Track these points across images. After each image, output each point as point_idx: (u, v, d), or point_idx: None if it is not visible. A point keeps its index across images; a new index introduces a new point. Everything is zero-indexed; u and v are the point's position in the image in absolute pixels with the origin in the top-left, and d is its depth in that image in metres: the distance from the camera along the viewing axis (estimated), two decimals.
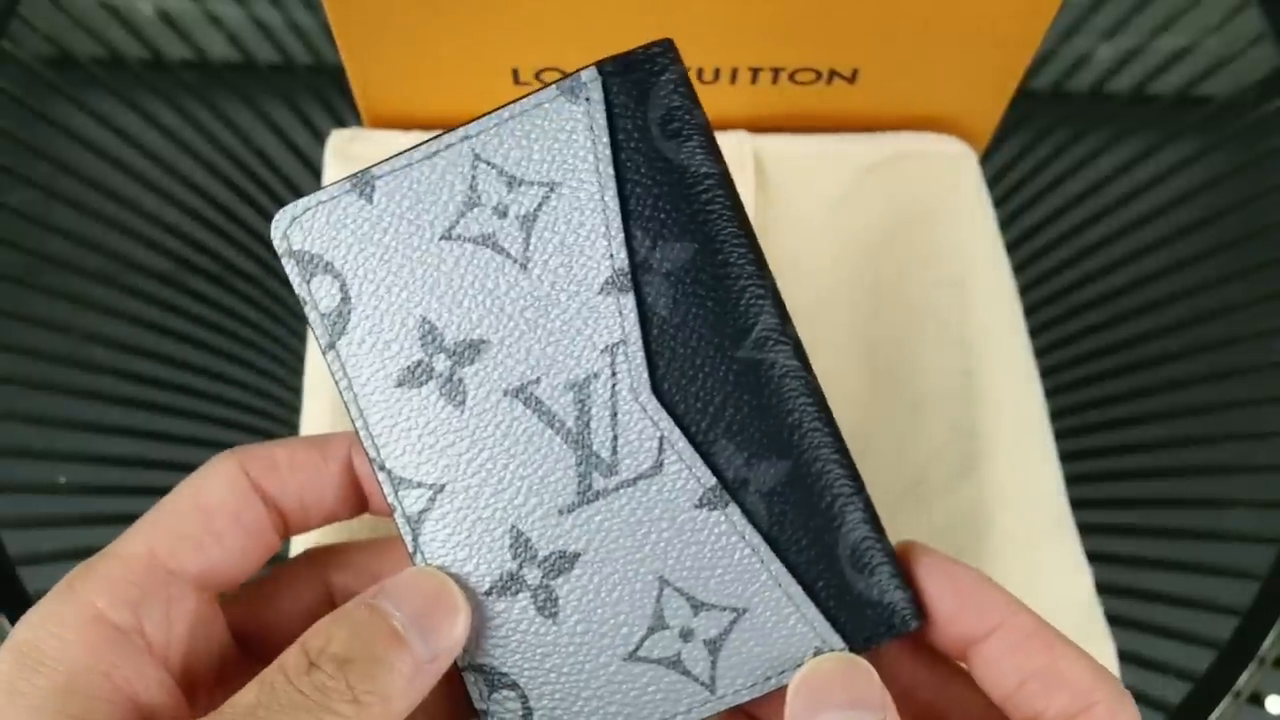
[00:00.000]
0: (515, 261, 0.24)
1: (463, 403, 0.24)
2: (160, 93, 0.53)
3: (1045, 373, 0.41)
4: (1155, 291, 0.50)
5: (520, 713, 0.24)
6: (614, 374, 0.24)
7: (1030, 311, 0.43)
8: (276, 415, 0.49)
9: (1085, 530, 0.38)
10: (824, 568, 0.24)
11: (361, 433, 0.25)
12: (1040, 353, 0.42)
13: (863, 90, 0.41)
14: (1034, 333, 0.42)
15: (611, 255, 0.24)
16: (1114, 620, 0.37)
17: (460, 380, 0.24)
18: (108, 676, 0.23)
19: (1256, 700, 0.40)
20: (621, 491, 0.24)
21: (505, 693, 0.24)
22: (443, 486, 0.24)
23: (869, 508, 0.24)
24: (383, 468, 0.25)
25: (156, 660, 0.24)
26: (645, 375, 0.24)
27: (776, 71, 0.40)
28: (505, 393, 0.24)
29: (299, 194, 0.52)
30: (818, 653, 0.24)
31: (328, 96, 0.55)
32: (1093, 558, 0.38)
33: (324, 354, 0.25)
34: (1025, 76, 0.41)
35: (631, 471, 0.24)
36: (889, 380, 0.41)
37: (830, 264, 0.42)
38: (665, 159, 0.24)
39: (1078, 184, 0.53)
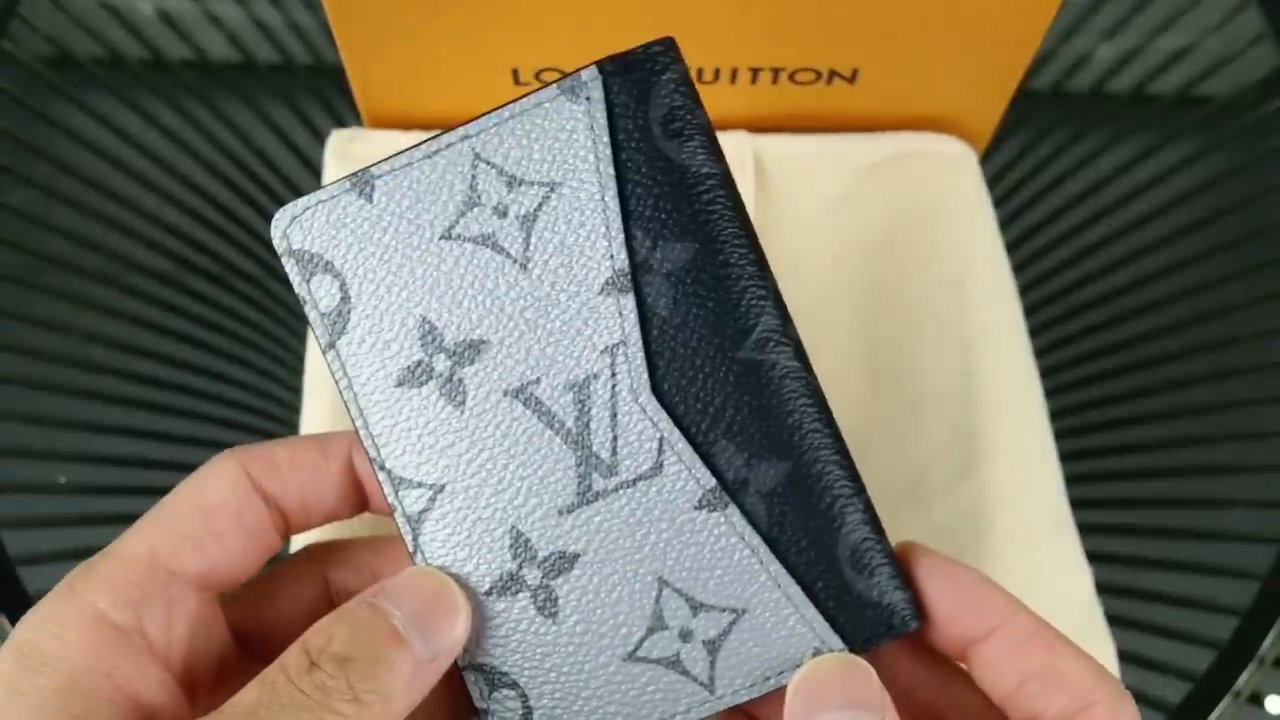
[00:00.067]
0: (515, 261, 0.24)
1: (463, 403, 0.24)
2: (160, 93, 0.53)
3: (1045, 373, 0.41)
4: (1155, 291, 0.50)
5: (520, 712, 0.24)
6: (614, 374, 0.24)
7: (1030, 311, 0.43)
8: (276, 415, 0.49)
9: (1085, 530, 0.38)
10: (823, 568, 0.24)
11: (361, 432, 0.25)
12: (1040, 353, 0.42)
13: (863, 90, 0.41)
14: (1034, 333, 0.42)
15: (612, 255, 0.24)
16: (1114, 620, 0.37)
17: (460, 380, 0.24)
18: (109, 676, 0.23)
19: (1256, 700, 0.40)
20: (621, 492, 0.24)
21: (505, 692, 0.24)
22: (443, 486, 0.24)
23: (869, 509, 0.24)
24: (383, 467, 0.25)
25: (157, 660, 0.24)
26: (645, 376, 0.24)
27: (776, 71, 0.40)
28: (505, 393, 0.24)
29: (299, 194, 0.52)
30: (817, 653, 0.24)
31: (328, 96, 0.55)
32: (1093, 558, 0.38)
33: (324, 353, 0.25)
34: (1025, 76, 0.41)
35: (631, 472, 0.24)
36: (889, 380, 0.41)
37: (830, 264, 0.42)
38: (666, 159, 0.24)
39: (1078, 184, 0.53)
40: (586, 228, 0.24)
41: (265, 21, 0.56)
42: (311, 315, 0.25)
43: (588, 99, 0.24)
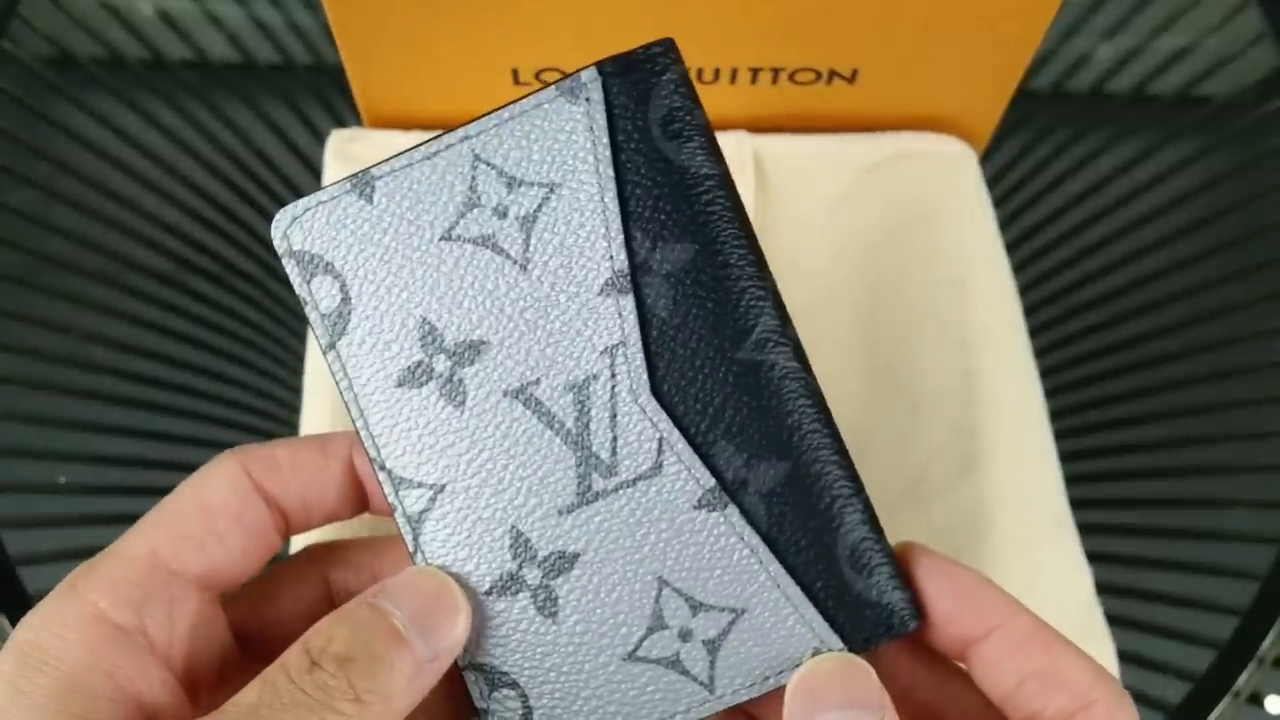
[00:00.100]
0: (515, 262, 0.24)
1: (463, 403, 0.24)
2: (160, 93, 0.53)
3: (1045, 373, 0.41)
4: (1155, 291, 0.50)
5: (520, 712, 0.24)
6: (613, 375, 0.24)
7: (1030, 311, 0.43)
8: (276, 415, 0.49)
9: (1085, 530, 0.38)
10: (823, 568, 0.24)
11: (362, 433, 0.25)
12: (1040, 353, 0.42)
13: (863, 90, 0.41)
14: (1034, 333, 0.42)
15: (611, 256, 0.24)
16: (1114, 620, 0.37)
17: (460, 381, 0.24)
18: (110, 676, 0.23)
19: (1256, 700, 0.40)
20: (621, 492, 0.24)
21: (505, 692, 0.24)
22: (443, 487, 0.24)
23: (868, 509, 0.24)
24: (383, 468, 0.25)
25: (159, 660, 0.24)
26: (645, 376, 0.24)
27: (776, 71, 0.40)
28: (505, 393, 0.24)
29: (299, 194, 0.52)
30: (816, 653, 0.24)
31: (328, 96, 0.55)
32: (1093, 558, 0.38)
33: (324, 354, 0.25)
34: (1025, 76, 0.41)
35: (631, 472, 0.24)
36: (889, 380, 0.41)
37: (830, 264, 0.42)
38: (666, 160, 0.24)
39: (1078, 184, 0.53)
40: (586, 229, 0.24)
41: (265, 21, 0.56)
42: (312, 316, 0.25)
43: (587, 100, 0.24)
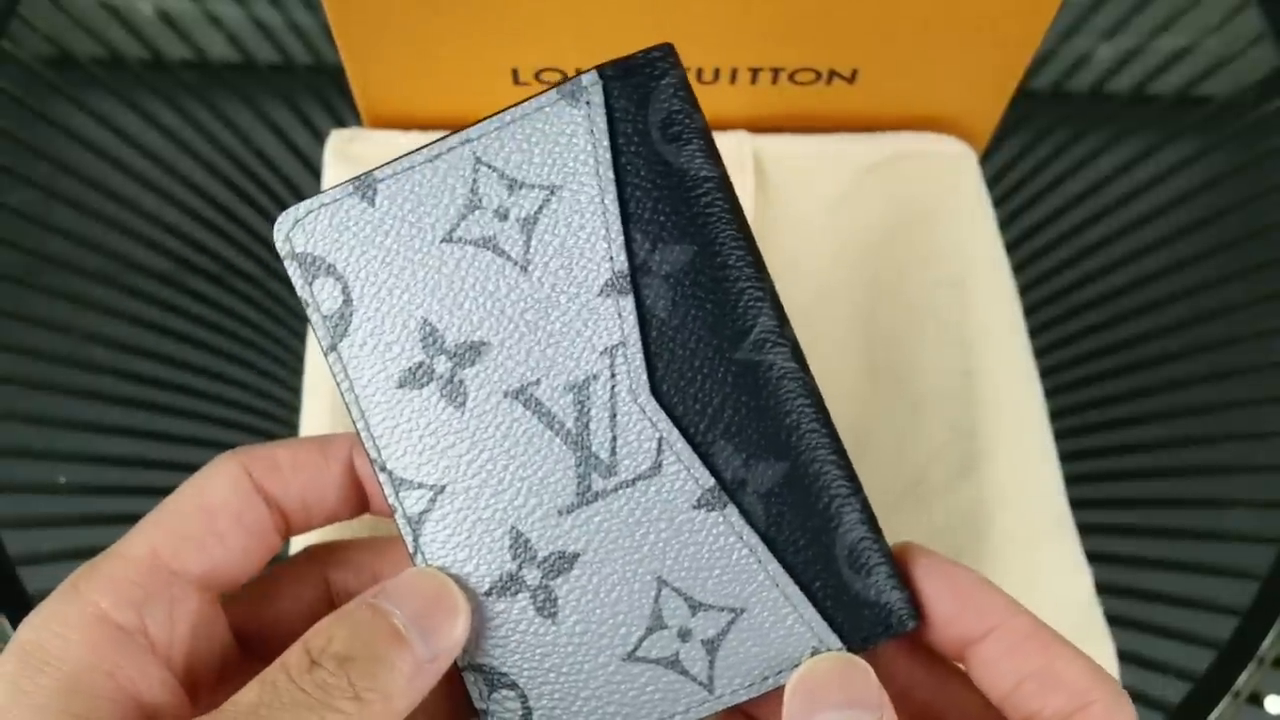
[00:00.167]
0: (516, 264, 0.24)
1: (463, 404, 0.24)
2: (160, 93, 0.53)
3: (1045, 373, 0.41)
4: (1155, 291, 0.50)
5: (520, 712, 0.24)
6: (613, 375, 0.24)
7: (1030, 311, 0.44)
8: (276, 415, 0.49)
9: (1085, 530, 0.38)
10: (821, 568, 0.24)
11: (363, 434, 0.25)
12: (1040, 353, 0.42)
13: (863, 90, 0.41)
14: (1034, 333, 0.42)
15: (611, 258, 0.24)
16: (1114, 620, 0.37)
17: (461, 382, 0.24)
18: (111, 676, 0.23)
19: (1256, 700, 0.40)
20: (620, 492, 0.24)
21: (505, 692, 0.25)
22: (443, 487, 0.24)
23: (866, 509, 0.24)
24: (384, 469, 0.25)
25: (159, 660, 0.24)
26: (644, 377, 0.24)
27: (776, 71, 0.40)
28: (505, 394, 0.24)
29: (299, 194, 0.52)
30: (815, 653, 0.24)
31: (328, 96, 0.55)
32: (1093, 558, 0.38)
33: (326, 356, 0.25)
34: (1025, 76, 0.41)
35: (630, 473, 0.24)
36: (889, 380, 0.41)
37: (830, 264, 0.42)
38: (665, 162, 0.24)
39: (1078, 184, 0.53)
40: (586, 230, 0.24)
41: (265, 21, 0.56)
42: (313, 318, 0.25)
43: (588, 103, 0.24)
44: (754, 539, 0.24)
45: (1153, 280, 0.50)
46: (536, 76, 0.40)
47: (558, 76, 0.40)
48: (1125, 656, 0.38)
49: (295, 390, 0.44)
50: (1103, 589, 0.38)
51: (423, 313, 0.24)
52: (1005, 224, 0.47)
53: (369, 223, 0.25)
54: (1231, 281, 0.49)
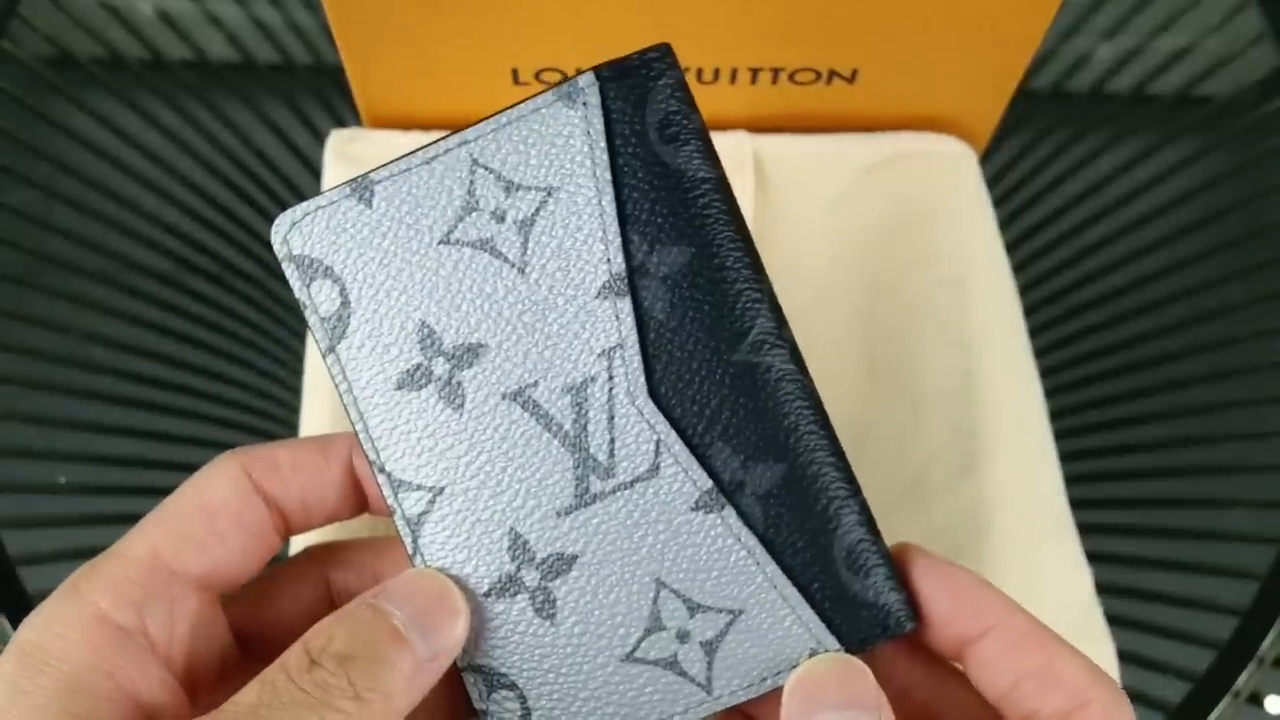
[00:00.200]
0: (513, 266, 0.24)
1: (461, 406, 0.24)
2: (160, 93, 0.53)
3: (1045, 373, 0.41)
4: (1155, 291, 0.50)
5: (519, 713, 0.24)
6: (611, 377, 0.24)
7: (1030, 311, 0.44)
8: (276, 415, 0.49)
9: (1085, 530, 0.38)
10: (819, 569, 0.24)
11: (361, 435, 0.25)
12: (1040, 353, 0.42)
13: (863, 90, 0.41)
14: (1034, 333, 0.42)
15: (609, 259, 0.24)
16: (1114, 620, 0.37)
17: (459, 384, 0.24)
18: (110, 676, 0.23)
19: (1256, 700, 0.40)
20: (618, 494, 0.24)
21: (504, 693, 0.25)
22: (442, 489, 0.25)
23: (864, 510, 0.24)
24: (382, 470, 0.25)
25: (159, 660, 0.24)
26: (642, 379, 0.24)
27: (776, 71, 0.40)
28: (503, 396, 0.24)
29: (298, 194, 0.52)
30: (813, 654, 0.24)
31: (327, 96, 0.55)
32: (1093, 558, 0.38)
33: (324, 358, 0.25)
34: (1025, 76, 0.41)
35: (628, 474, 0.24)
36: (889, 380, 0.41)
37: (830, 264, 0.42)
38: (663, 163, 0.24)
39: (1078, 184, 0.53)
40: (583, 232, 0.24)
41: (265, 21, 0.56)
42: (311, 320, 0.25)
43: (585, 104, 0.24)
44: (752, 540, 0.24)
45: (1153, 280, 0.50)
46: (536, 76, 0.40)
47: (558, 76, 0.40)
48: (1125, 656, 0.38)
49: (295, 390, 0.44)
50: (1103, 589, 0.38)
51: (420, 315, 0.24)
52: (1005, 224, 0.46)
53: (366, 225, 0.25)
54: (1231, 281, 0.49)
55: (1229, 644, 0.41)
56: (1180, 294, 0.49)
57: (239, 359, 0.50)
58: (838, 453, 0.24)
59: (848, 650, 0.24)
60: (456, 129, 0.25)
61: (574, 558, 0.24)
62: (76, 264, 0.49)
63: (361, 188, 0.25)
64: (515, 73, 0.40)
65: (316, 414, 0.39)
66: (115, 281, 0.49)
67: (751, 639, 0.24)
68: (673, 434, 0.24)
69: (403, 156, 0.25)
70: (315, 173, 0.52)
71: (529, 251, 0.24)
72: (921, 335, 0.41)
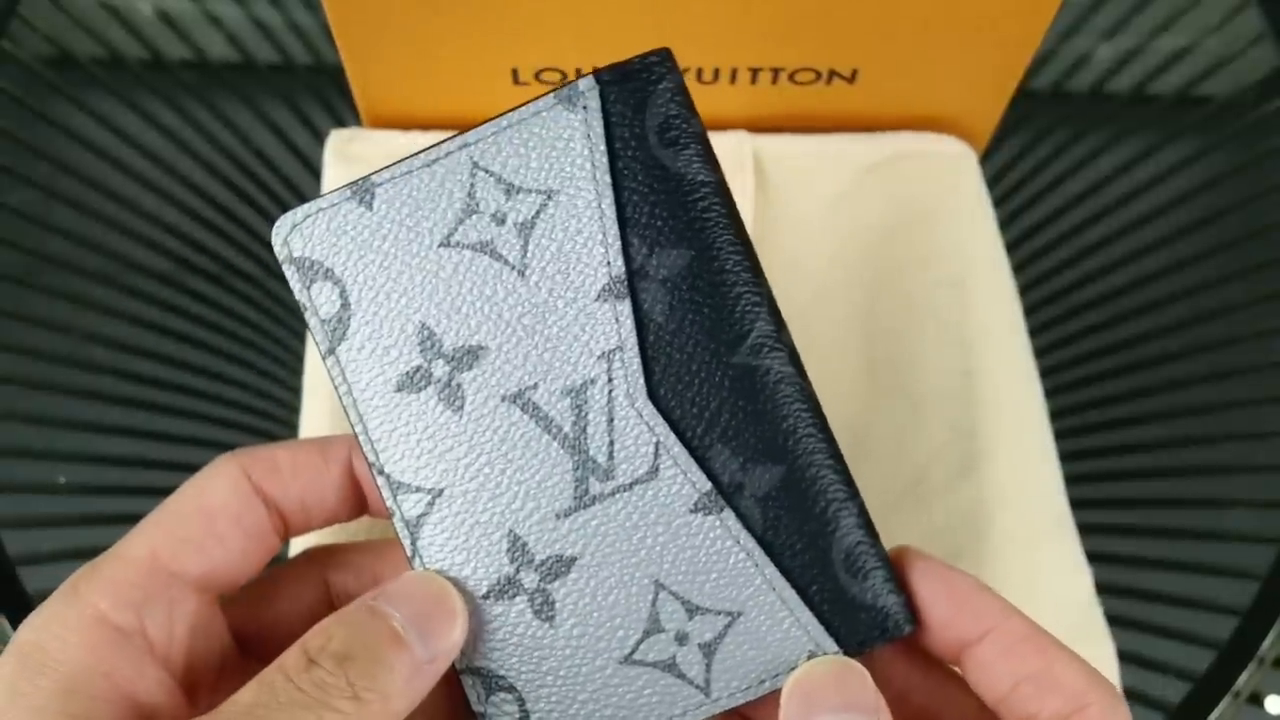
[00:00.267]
0: (513, 268, 0.24)
1: (461, 408, 0.24)
2: (160, 93, 0.53)
3: (1045, 373, 0.41)
4: (1155, 291, 0.50)
5: (517, 715, 0.24)
6: (610, 380, 0.24)
7: (1030, 311, 0.44)
8: (276, 415, 0.49)
9: (1085, 530, 0.38)
10: (818, 572, 0.24)
11: (361, 438, 0.25)
12: (1040, 353, 0.42)
13: (863, 90, 0.41)
14: (1034, 333, 0.42)
15: (608, 262, 0.24)
16: (1114, 620, 0.37)
17: (459, 386, 0.24)
18: (108, 677, 0.23)
19: (1256, 700, 0.40)
20: (618, 496, 0.24)
21: (503, 695, 0.25)
22: (441, 491, 0.25)
23: (863, 513, 0.24)
24: (382, 472, 0.25)
25: (158, 661, 0.24)
26: (641, 381, 0.24)
27: (776, 71, 0.40)
28: (503, 398, 0.24)
29: (299, 194, 0.52)
30: (811, 656, 0.24)
31: (327, 96, 0.55)
32: (1093, 558, 0.38)
33: (324, 360, 0.25)
34: (1025, 76, 0.41)
35: (628, 476, 0.24)
36: (889, 380, 0.41)
37: (830, 264, 0.42)
38: (662, 167, 0.24)
39: (1078, 184, 0.53)
40: (583, 235, 0.24)
41: (265, 21, 0.56)
42: (312, 322, 0.25)
43: (585, 108, 0.24)
44: (751, 543, 0.24)
45: (1153, 280, 0.50)
46: (536, 77, 0.40)
47: (557, 77, 0.40)
48: (1125, 656, 0.38)
49: (295, 390, 0.44)
50: (1103, 589, 0.38)
51: (420, 317, 0.25)
52: (1005, 224, 0.46)
53: (366, 227, 0.25)
54: (1231, 281, 0.49)
55: (1229, 644, 0.41)
56: (1180, 294, 0.49)
57: (239, 359, 0.50)
58: (836, 455, 0.24)
59: (846, 653, 0.24)
60: (456, 129, 0.25)
61: (573, 560, 0.24)
62: (76, 264, 0.49)
63: (362, 190, 0.25)
64: (515, 73, 0.40)
65: (316, 414, 0.39)
66: (115, 281, 0.49)
67: (750, 641, 0.24)
68: (672, 436, 0.24)
69: (403, 159, 0.25)
70: (315, 173, 0.52)
71: (529, 254, 0.24)
72: (921, 335, 0.41)
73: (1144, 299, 0.50)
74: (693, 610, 0.24)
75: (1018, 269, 0.43)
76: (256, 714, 0.21)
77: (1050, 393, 0.41)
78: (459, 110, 0.42)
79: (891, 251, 0.42)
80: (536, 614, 0.24)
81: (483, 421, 0.24)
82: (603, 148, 0.24)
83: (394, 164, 0.25)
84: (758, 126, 0.43)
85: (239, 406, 0.49)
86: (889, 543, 0.25)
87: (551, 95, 0.24)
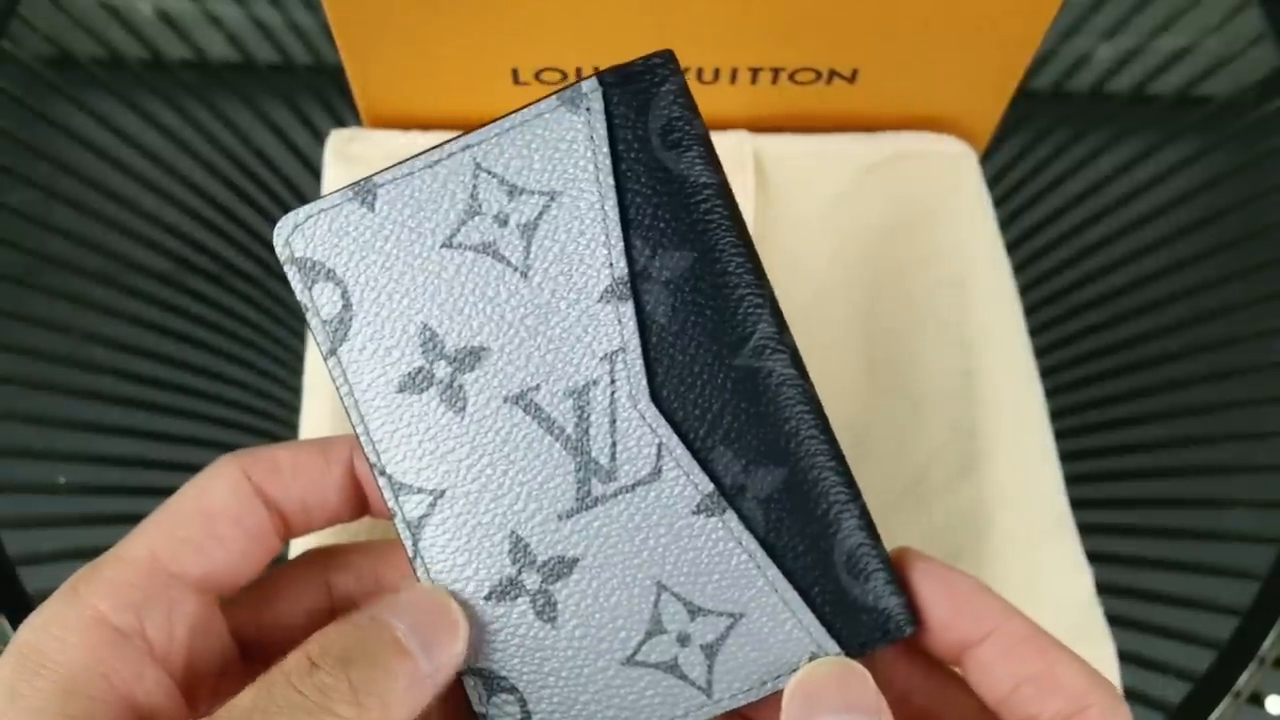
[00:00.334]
0: (516, 269, 0.24)
1: (463, 409, 0.24)
2: (160, 93, 0.53)
3: (1045, 373, 0.41)
4: (1155, 291, 0.50)
5: (519, 716, 0.24)
6: (613, 381, 0.24)
7: (1030, 311, 0.44)
8: (276, 415, 0.49)
9: (1085, 530, 0.38)
10: (820, 574, 0.24)
11: (362, 438, 0.25)
12: (1040, 353, 0.42)
13: (863, 90, 0.41)
14: (1034, 333, 0.42)
15: (611, 264, 0.24)
16: (1114, 620, 0.37)
17: (461, 387, 0.24)
18: (107, 678, 0.23)
19: (1256, 700, 0.40)
20: (620, 497, 0.24)
21: (504, 696, 0.25)
22: (443, 492, 0.25)
23: (864, 514, 0.24)
24: (383, 473, 0.25)
25: (157, 663, 0.24)
26: (644, 383, 0.24)
27: (776, 71, 0.40)
28: (505, 399, 0.24)
29: (299, 194, 0.52)
30: (813, 657, 0.24)
31: (328, 96, 0.55)
32: (1093, 558, 0.38)
33: (325, 360, 0.25)
34: (1025, 76, 0.41)
35: (630, 478, 0.24)
36: (889, 380, 0.41)
37: (830, 264, 0.42)
38: (665, 169, 0.24)
39: (1078, 184, 0.53)
40: (586, 236, 0.24)
41: (265, 21, 0.56)
42: (313, 322, 0.25)
43: (588, 110, 0.24)
44: (753, 544, 0.24)
45: (1153, 280, 0.50)
46: (536, 77, 0.40)
47: (558, 76, 0.40)
48: (1125, 656, 0.38)
49: (295, 390, 0.44)
50: (1103, 589, 0.38)
51: (422, 318, 0.24)
52: (1005, 224, 0.46)
53: (369, 228, 0.25)
54: (1231, 281, 0.49)
55: (1229, 644, 0.41)
56: (1180, 294, 0.49)
57: (239, 359, 0.50)
58: (838, 457, 0.24)
59: (848, 654, 0.24)
60: (456, 129, 0.25)
61: (575, 561, 0.24)
62: (76, 264, 0.49)
63: (364, 191, 0.25)
64: (515, 73, 0.40)
65: (316, 414, 0.39)
66: (115, 281, 0.49)
67: (752, 642, 0.24)
68: (674, 438, 0.24)
69: (406, 160, 0.25)
70: (315, 173, 0.52)
71: (532, 255, 0.24)
72: (922, 335, 0.41)
73: (1144, 299, 0.50)
74: (695, 611, 0.24)
75: (1018, 269, 0.43)
76: (256, 717, 0.21)
77: (1050, 393, 0.41)
78: (459, 110, 0.42)
79: (892, 251, 0.42)
80: (538, 615, 0.24)
81: (485, 422, 0.24)
82: (606, 149, 0.24)
83: (396, 165, 0.25)
84: (758, 126, 0.43)
85: (239, 407, 0.49)
86: (889, 543, 0.25)
87: (554, 97, 0.24)
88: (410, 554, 0.25)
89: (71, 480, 0.46)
